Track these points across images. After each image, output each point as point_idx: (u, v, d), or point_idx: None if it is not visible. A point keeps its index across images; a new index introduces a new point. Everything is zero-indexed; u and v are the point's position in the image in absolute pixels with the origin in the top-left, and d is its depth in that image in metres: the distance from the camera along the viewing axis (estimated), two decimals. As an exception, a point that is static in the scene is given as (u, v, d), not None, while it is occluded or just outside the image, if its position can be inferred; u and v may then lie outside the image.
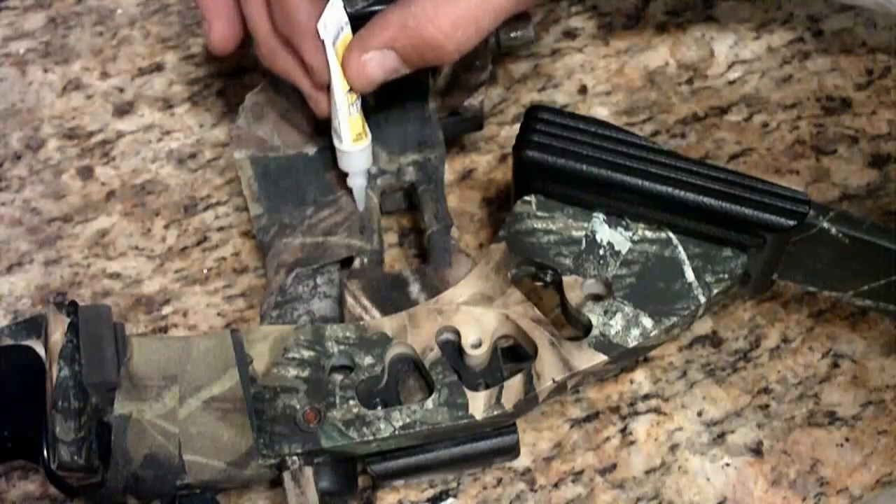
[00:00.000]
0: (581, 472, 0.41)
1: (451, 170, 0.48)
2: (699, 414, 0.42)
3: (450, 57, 0.38)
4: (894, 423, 0.41)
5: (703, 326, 0.44)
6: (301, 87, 0.41)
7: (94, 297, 0.46)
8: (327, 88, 0.40)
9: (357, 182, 0.42)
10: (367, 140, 0.41)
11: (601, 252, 0.39)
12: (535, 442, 0.42)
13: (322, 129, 0.43)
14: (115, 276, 0.46)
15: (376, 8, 0.40)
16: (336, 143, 0.41)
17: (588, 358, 0.37)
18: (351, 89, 0.39)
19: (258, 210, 0.43)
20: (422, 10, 0.37)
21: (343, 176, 0.42)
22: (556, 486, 0.41)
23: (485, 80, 0.45)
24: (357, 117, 0.40)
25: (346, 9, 0.39)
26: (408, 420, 0.36)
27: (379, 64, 0.38)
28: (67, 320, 0.35)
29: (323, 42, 0.38)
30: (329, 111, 0.40)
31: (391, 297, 0.41)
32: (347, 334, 0.38)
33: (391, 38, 0.38)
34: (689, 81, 0.51)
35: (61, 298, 0.45)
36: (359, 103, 0.40)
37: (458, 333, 0.38)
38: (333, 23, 0.38)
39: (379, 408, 0.37)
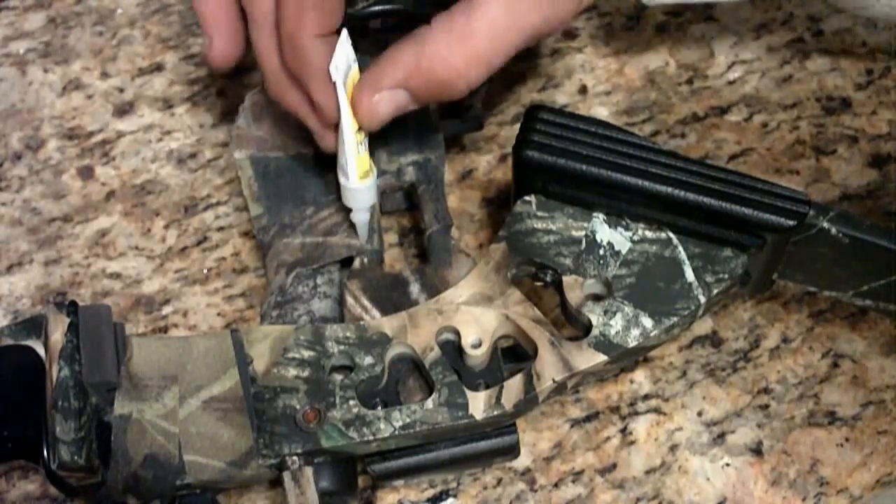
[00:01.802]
0: (581, 472, 0.41)
1: (451, 170, 0.48)
2: (699, 414, 0.42)
3: (459, 95, 0.38)
4: (894, 423, 0.41)
5: (703, 326, 0.44)
6: (308, 123, 0.40)
7: (94, 297, 0.46)
8: (335, 127, 0.39)
9: (361, 218, 0.42)
10: (372, 177, 0.41)
11: (601, 252, 0.39)
12: (535, 442, 0.42)
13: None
14: (115, 276, 0.46)
15: (376, 8, 0.40)
16: (342, 180, 0.41)
17: (588, 358, 0.37)
18: (360, 128, 0.39)
19: (258, 210, 0.43)
20: (435, 50, 0.37)
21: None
22: (556, 486, 0.41)
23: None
24: (364, 156, 0.40)
25: (346, 10, 0.39)
26: (408, 420, 0.36)
27: (390, 103, 0.38)
28: (67, 320, 0.35)
29: (334, 82, 0.38)
30: (336, 147, 0.40)
31: (391, 297, 0.41)
32: (347, 334, 0.38)
33: (404, 78, 0.37)
34: (689, 81, 0.51)
35: (61, 298, 0.45)
36: (366, 142, 0.40)
37: (458, 333, 0.38)
38: (344, 62, 0.38)
39: (379, 408, 0.37)
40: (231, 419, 0.36)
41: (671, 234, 0.39)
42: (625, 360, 0.39)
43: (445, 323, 0.38)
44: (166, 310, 0.45)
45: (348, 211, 0.43)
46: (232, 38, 0.42)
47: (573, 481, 0.41)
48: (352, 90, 0.38)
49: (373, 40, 0.42)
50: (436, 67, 0.37)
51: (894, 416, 0.41)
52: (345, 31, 0.38)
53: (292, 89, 0.40)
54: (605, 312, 0.38)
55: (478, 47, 0.37)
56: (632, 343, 0.38)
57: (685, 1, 0.47)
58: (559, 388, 0.37)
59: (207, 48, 0.42)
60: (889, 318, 0.43)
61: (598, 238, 0.39)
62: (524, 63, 0.52)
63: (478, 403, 0.37)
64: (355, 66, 0.39)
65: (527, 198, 0.40)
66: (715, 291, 0.38)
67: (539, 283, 0.40)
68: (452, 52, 0.37)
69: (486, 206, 0.47)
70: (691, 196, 0.38)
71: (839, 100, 0.50)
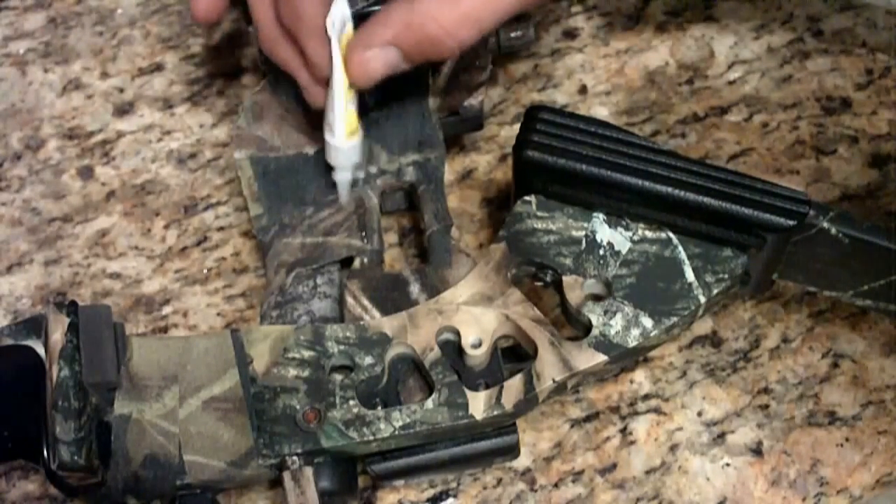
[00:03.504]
0: (581, 472, 0.41)
1: (451, 170, 0.48)
2: (699, 414, 0.42)
3: (450, 53, 0.39)
4: (894, 423, 0.41)
5: (703, 326, 0.44)
6: (298, 78, 0.41)
7: (94, 297, 0.46)
8: (325, 82, 0.40)
9: (343, 177, 0.42)
10: (358, 136, 0.41)
11: (601, 252, 0.39)
12: (535, 442, 0.42)
13: (322, 128, 0.43)
14: (115, 276, 0.46)
15: (376, 7, 0.40)
16: (328, 137, 0.41)
17: (588, 358, 0.37)
18: (351, 85, 0.39)
19: (258, 210, 0.43)
20: (426, 8, 0.37)
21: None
22: (556, 486, 0.41)
23: (485, 80, 0.45)
24: (353, 113, 0.40)
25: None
26: (408, 420, 0.36)
27: (381, 60, 0.38)
28: (67, 320, 0.35)
29: (329, 38, 0.38)
30: (323, 103, 0.40)
31: (391, 297, 0.41)
32: (347, 334, 0.38)
33: (395, 35, 0.38)
34: (689, 81, 0.51)
35: (61, 298, 0.45)
36: (355, 99, 0.40)
37: (458, 333, 0.38)
38: (339, 18, 0.38)
39: (379, 408, 0.37)
40: (231, 419, 0.36)
41: (671, 234, 0.39)
42: (625, 360, 0.39)
43: (445, 323, 0.38)
44: (166, 310, 0.45)
45: (349, 211, 0.43)
46: None
47: (573, 481, 0.41)
48: (345, 48, 0.39)
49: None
50: (426, 25, 0.37)
51: (894, 416, 0.41)
52: None
53: (284, 43, 0.40)
54: (605, 312, 0.38)
55: (468, 6, 0.37)
56: (632, 343, 0.38)
57: None
58: (559, 388, 0.37)
59: (192, 1, 0.42)
60: (889, 318, 0.43)
61: (598, 238, 0.39)
62: (524, 63, 0.52)
63: (478, 403, 0.37)
64: (349, 25, 0.39)
65: (527, 198, 0.40)
66: (715, 291, 0.38)
67: (539, 283, 0.40)
68: (442, 11, 0.37)
69: (486, 206, 0.47)
70: (691, 196, 0.38)
71: (839, 100, 0.50)
